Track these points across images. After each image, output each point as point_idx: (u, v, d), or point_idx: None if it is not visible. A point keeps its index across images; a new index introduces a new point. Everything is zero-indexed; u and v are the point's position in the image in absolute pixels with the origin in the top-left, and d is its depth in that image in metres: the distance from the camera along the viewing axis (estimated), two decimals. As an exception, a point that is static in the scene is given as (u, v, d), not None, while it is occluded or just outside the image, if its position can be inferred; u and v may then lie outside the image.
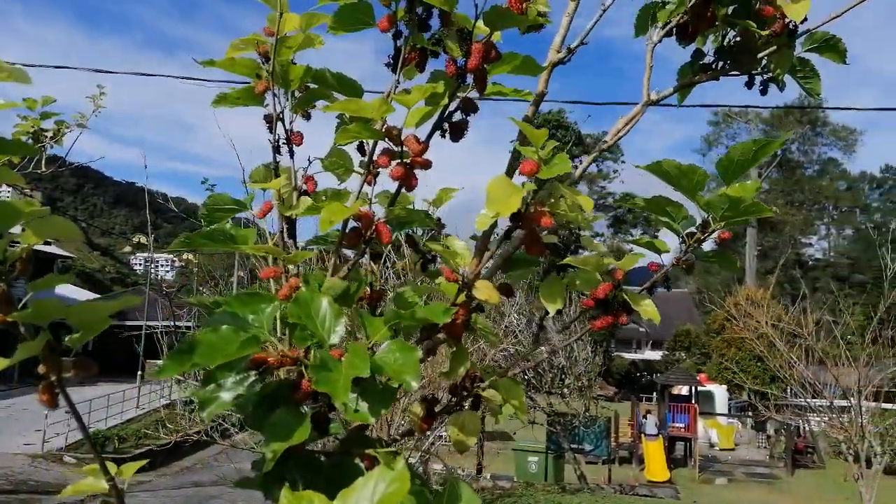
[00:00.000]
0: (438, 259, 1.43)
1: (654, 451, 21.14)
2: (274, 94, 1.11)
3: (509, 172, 1.04)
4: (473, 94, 1.02)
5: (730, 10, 1.25)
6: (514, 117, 0.88)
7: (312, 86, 1.20)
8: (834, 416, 13.64)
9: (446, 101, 0.97)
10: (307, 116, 1.21)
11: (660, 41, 1.28)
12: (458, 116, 1.02)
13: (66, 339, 0.88)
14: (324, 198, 1.14)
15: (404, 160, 0.96)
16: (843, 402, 13.31)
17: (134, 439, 18.53)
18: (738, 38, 1.28)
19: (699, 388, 25.81)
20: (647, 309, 1.04)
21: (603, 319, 1.08)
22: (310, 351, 1.01)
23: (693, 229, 1.10)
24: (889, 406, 14.33)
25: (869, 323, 14.17)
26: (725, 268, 1.11)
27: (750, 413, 27.40)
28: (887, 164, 58.86)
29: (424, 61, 1.05)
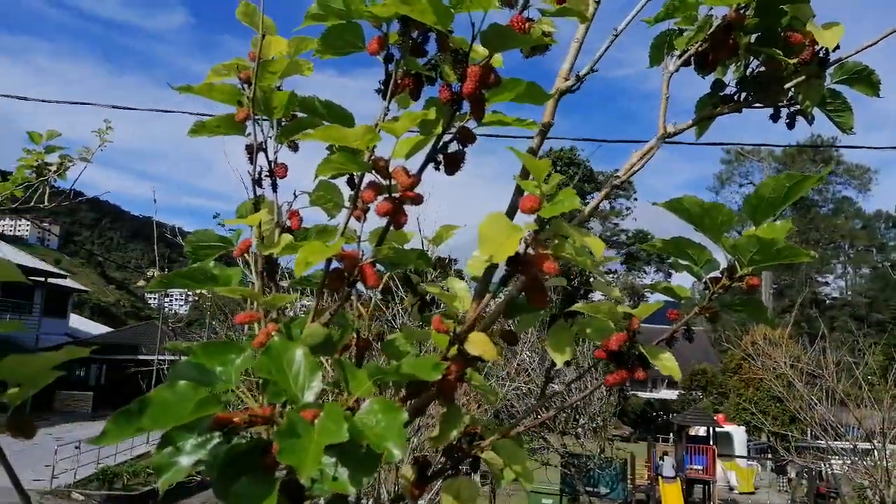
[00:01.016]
0: (438, 301, 1.32)
1: (671, 494, 20.57)
2: (256, 123, 1.02)
3: (510, 212, 0.93)
4: (471, 123, 0.92)
5: (753, 38, 1.15)
6: (512, 147, 0.79)
7: (301, 114, 1.11)
8: (857, 459, 13.21)
9: (440, 130, 0.87)
10: (294, 147, 1.12)
11: (676, 70, 1.18)
12: (454, 147, 0.92)
13: (4, 395, 0.77)
14: (306, 236, 1.04)
15: (392, 195, 0.86)
16: (867, 445, 12.89)
17: (144, 475, 18.27)
18: (761, 68, 1.18)
19: (717, 429, 25.24)
20: (667, 364, 0.92)
21: (617, 374, 0.96)
22: (284, 408, 0.90)
23: (717, 274, 0.98)
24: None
25: (891, 363, 13.79)
26: (754, 317, 0.99)
27: (770, 455, 26.72)
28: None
29: (419, 88, 0.96)
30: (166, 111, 5.98)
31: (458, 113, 0.88)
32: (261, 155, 1.06)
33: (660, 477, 21.33)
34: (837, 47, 1.06)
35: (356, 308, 1.03)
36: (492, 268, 1.05)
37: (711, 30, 1.12)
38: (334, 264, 0.91)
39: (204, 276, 1.22)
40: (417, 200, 0.86)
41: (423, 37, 0.96)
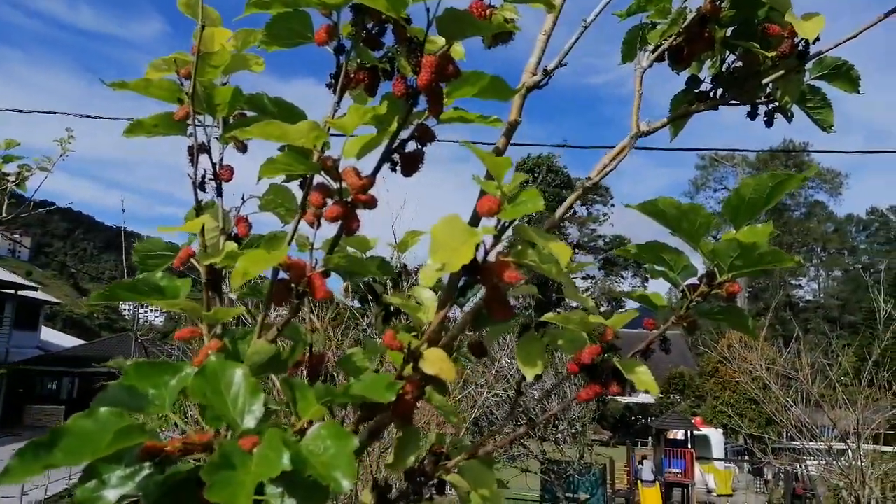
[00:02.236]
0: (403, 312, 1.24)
1: (650, 498, 20.64)
2: (197, 122, 0.93)
3: (474, 217, 0.86)
4: (431, 121, 0.85)
5: (728, 31, 1.10)
6: (466, 141, 0.71)
7: (250, 113, 1.03)
8: (832, 460, 13.33)
9: (395, 127, 0.80)
10: (242, 148, 1.04)
11: (650, 66, 1.12)
12: (412, 147, 0.85)
13: None
14: (257, 245, 0.95)
15: (344, 198, 0.78)
16: (841, 446, 13.01)
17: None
18: (738, 63, 1.12)
19: (695, 432, 25.40)
20: (643, 378, 0.85)
21: (590, 388, 0.89)
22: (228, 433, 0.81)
23: (695, 280, 0.92)
24: (888, 449, 14.02)
25: (863, 365, 13.95)
26: (734, 326, 0.92)
27: (747, 457, 26.97)
28: (873, 207, 59.56)
29: (376, 83, 0.88)
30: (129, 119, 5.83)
31: (414, 108, 0.80)
32: (204, 157, 0.97)
33: (639, 481, 21.38)
34: (817, 39, 1.01)
35: (309, 321, 0.95)
36: (455, 276, 0.98)
37: (686, 22, 1.06)
38: (280, 275, 0.84)
39: (149, 288, 1.13)
40: (371, 204, 0.78)
41: (379, 27, 0.88)
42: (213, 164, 0.97)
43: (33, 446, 0.65)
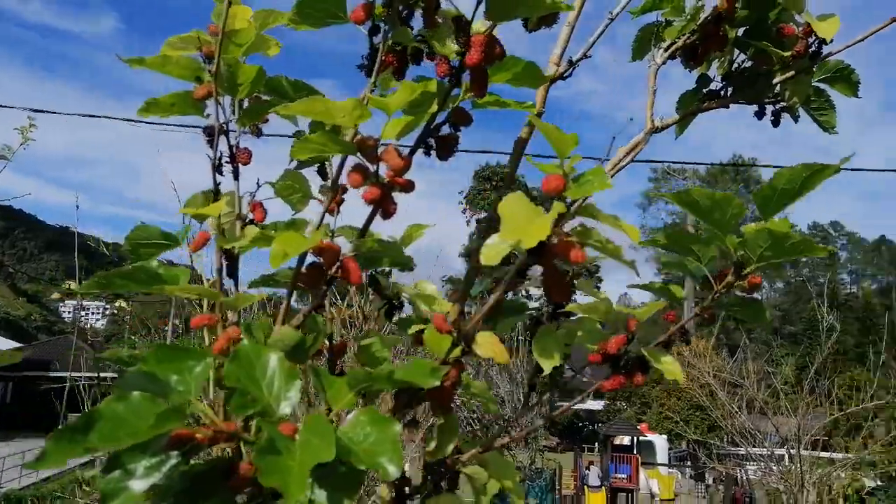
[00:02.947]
0: (406, 305, 1.22)
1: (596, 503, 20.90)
2: (218, 102, 0.90)
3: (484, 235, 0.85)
4: (465, 103, 0.83)
5: (740, 31, 1.12)
6: (533, 116, 0.70)
7: (264, 97, 1.00)
8: (773, 464, 13.77)
9: (435, 108, 0.79)
10: (257, 132, 1.00)
11: (664, 63, 1.14)
12: (445, 130, 0.84)
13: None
14: (274, 230, 0.92)
15: (381, 180, 0.76)
16: (782, 451, 13.44)
17: (50, 500, 17.14)
18: (747, 63, 1.14)
19: (640, 438, 25.89)
20: (669, 367, 0.85)
21: (614, 379, 0.89)
22: (249, 423, 0.78)
23: (707, 273, 0.93)
24: (825, 454, 14.58)
25: (804, 373, 14.46)
26: (752, 319, 0.94)
27: (689, 463, 27.62)
28: (814, 221, 62.16)
29: (404, 66, 0.87)
30: (91, 115, 5.64)
31: (454, 90, 0.79)
32: (221, 139, 0.94)
33: (586, 486, 21.64)
34: (831, 40, 1.03)
35: (328, 311, 0.92)
36: (476, 269, 0.97)
37: (701, 20, 1.08)
38: (310, 259, 0.81)
39: (147, 276, 1.08)
40: (409, 187, 0.76)
41: (407, 10, 0.87)
42: (230, 147, 0.93)
43: (69, 430, 0.62)
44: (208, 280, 1.19)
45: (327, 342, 0.92)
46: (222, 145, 0.94)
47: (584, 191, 0.67)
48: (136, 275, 1.10)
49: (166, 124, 7.11)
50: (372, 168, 0.77)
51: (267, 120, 0.99)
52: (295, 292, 0.89)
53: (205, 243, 0.92)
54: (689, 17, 1.07)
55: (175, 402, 0.73)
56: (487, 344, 0.75)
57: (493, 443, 0.97)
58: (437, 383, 0.68)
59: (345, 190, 0.92)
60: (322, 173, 0.98)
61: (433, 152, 0.83)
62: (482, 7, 0.74)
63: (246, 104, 0.99)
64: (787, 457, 13.55)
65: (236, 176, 0.94)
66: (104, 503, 0.69)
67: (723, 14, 1.07)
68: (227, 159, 0.94)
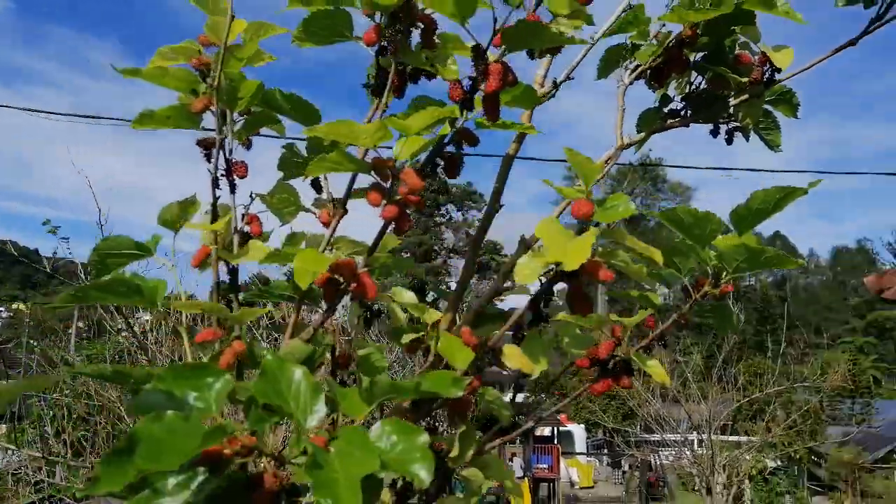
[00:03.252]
0: (384, 314, 1.26)
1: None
2: (217, 115, 0.90)
3: (480, 233, 0.90)
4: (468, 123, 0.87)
5: (699, 56, 1.21)
6: (568, 147, 0.75)
7: (255, 108, 1.01)
8: (685, 450, 14.50)
9: (447, 130, 0.82)
10: (248, 144, 1.01)
11: (631, 83, 1.21)
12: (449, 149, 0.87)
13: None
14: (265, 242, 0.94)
15: (396, 198, 0.79)
16: (694, 437, 14.19)
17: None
18: (705, 85, 1.24)
19: (560, 429, 26.60)
20: (655, 369, 0.93)
21: (603, 382, 0.96)
22: (262, 436, 0.79)
23: (687, 281, 1.01)
24: (733, 438, 15.52)
25: (713, 362, 15.28)
26: (721, 322, 1.02)
27: (606, 451, 28.64)
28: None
29: (404, 85, 0.90)
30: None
31: (467, 112, 0.83)
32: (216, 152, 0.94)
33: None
34: (780, 70, 1.14)
35: (331, 324, 0.94)
36: (466, 281, 1.01)
37: (667, 45, 1.16)
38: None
39: (127, 289, 1.07)
40: (422, 205, 0.80)
41: (406, 31, 0.90)
42: (227, 160, 0.94)
43: (115, 454, 0.62)
44: (187, 293, 1.18)
45: (329, 355, 0.94)
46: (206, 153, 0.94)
47: (610, 216, 0.73)
48: (115, 287, 1.08)
49: (68, 115, 6.72)
50: (387, 186, 0.80)
51: (258, 132, 1.00)
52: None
53: (206, 258, 0.92)
54: (658, 42, 1.14)
55: (219, 424, 0.74)
56: (514, 356, 0.79)
57: (484, 446, 1.02)
58: (461, 393, 0.72)
59: (343, 204, 0.95)
60: (316, 186, 1.00)
61: (443, 171, 0.87)
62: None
63: (237, 116, 0.99)
64: (695, 442, 14.33)
65: (233, 189, 0.94)
66: (132, 522, 0.69)
67: (685, 40, 1.15)
68: (223, 173, 0.94)
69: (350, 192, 0.86)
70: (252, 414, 0.78)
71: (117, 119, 7.13)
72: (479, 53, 0.80)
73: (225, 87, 0.88)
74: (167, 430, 0.67)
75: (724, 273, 0.92)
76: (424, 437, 0.71)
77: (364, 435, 0.69)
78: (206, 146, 0.93)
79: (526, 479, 21.91)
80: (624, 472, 26.91)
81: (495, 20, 0.78)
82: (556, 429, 25.93)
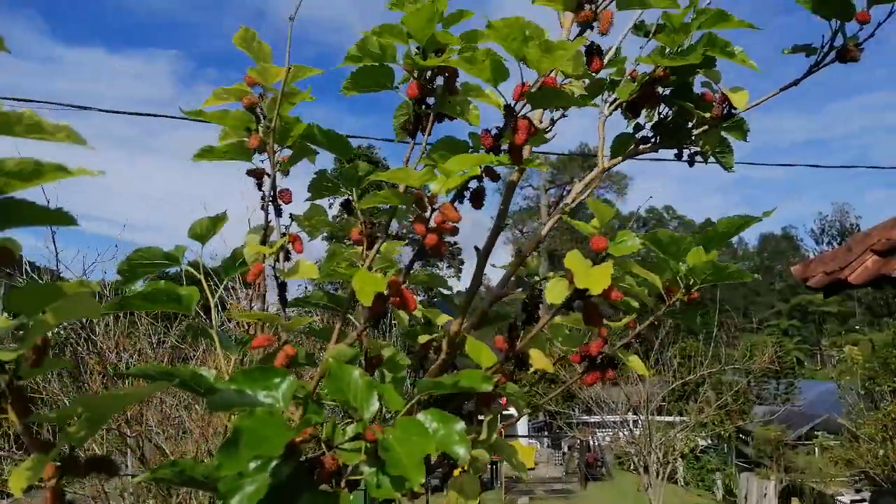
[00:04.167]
0: (389, 316, 1.41)
1: (464, 478, 21.81)
2: (270, 151, 1.04)
3: (485, 253, 1.07)
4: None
5: (667, 90, 1.40)
6: (595, 201, 0.92)
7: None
8: (625, 430, 15.14)
9: (477, 171, 0.98)
10: (286, 173, 1.14)
11: (610, 115, 1.39)
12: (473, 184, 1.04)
13: (65, 435, 0.74)
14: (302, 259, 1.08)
15: (434, 228, 0.95)
16: (633, 417, 14.83)
17: None
18: (673, 117, 1.43)
19: (502, 412, 27.10)
20: (636, 363, 1.12)
21: (593, 375, 1.14)
22: (320, 427, 0.95)
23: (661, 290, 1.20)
24: (669, 418, 16.28)
25: (649, 347, 15.96)
26: (688, 321, 1.22)
27: (546, 433, 29.35)
28: (651, 207, 68.09)
29: (431, 126, 1.05)
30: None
31: (497, 155, 0.99)
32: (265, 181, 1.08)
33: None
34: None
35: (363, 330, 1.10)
36: (474, 290, 1.18)
37: (644, 81, 1.35)
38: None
39: (167, 297, 1.20)
40: (455, 233, 0.96)
41: (432, 79, 1.06)
42: (274, 189, 1.07)
43: (227, 444, 0.76)
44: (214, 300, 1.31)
45: (364, 356, 1.09)
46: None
47: (621, 250, 0.91)
48: (157, 296, 1.21)
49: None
50: (426, 216, 0.96)
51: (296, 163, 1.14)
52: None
53: (260, 274, 1.05)
54: (638, 80, 1.33)
55: (310, 415, 0.89)
56: (539, 359, 0.97)
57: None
58: (491, 388, 0.89)
59: (373, 225, 1.10)
60: (348, 209, 1.15)
61: (469, 202, 1.03)
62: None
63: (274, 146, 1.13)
64: (632, 422, 14.98)
65: (279, 213, 1.08)
66: (226, 499, 0.83)
67: (657, 78, 1.34)
68: (270, 199, 1.08)
69: (390, 221, 1.01)
70: (309, 408, 0.93)
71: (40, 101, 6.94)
72: (510, 111, 0.97)
73: (279, 127, 1.02)
74: (260, 424, 0.81)
75: (693, 283, 1.12)
76: (461, 424, 0.87)
77: (420, 423, 0.85)
78: (257, 176, 1.06)
79: (470, 462, 22.40)
80: (564, 454, 27.72)
81: (523, 84, 0.95)
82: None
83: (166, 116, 7.19)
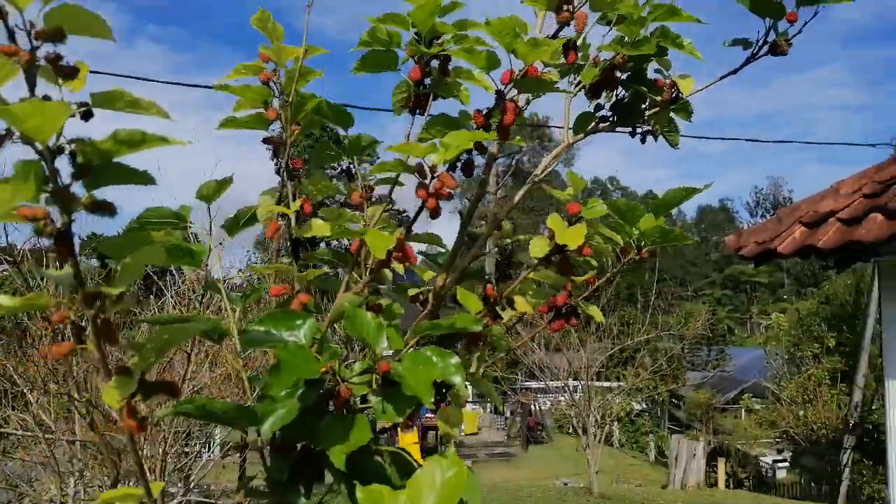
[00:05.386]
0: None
1: (408, 440, 22.27)
2: (283, 123, 1.18)
3: (468, 216, 1.26)
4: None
5: (624, 75, 1.59)
6: (571, 172, 1.10)
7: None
8: (567, 395, 15.76)
9: (470, 146, 1.14)
10: (295, 142, 1.28)
11: (575, 95, 1.58)
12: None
13: (135, 363, 0.88)
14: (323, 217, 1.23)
15: (433, 193, 1.11)
16: (574, 383, 15.45)
17: None
18: (628, 99, 1.62)
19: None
20: (594, 312, 1.32)
21: (558, 323, 1.34)
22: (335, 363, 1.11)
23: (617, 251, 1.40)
24: (607, 384, 17.03)
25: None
26: (638, 278, 1.43)
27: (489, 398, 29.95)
28: (595, 177, 69.51)
29: (427, 105, 1.22)
30: None
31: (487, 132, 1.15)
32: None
33: (398, 427, 22.91)
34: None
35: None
36: (459, 245, 1.36)
37: (605, 67, 1.53)
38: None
39: (182, 252, 1.33)
40: (448, 198, 1.12)
41: (427, 63, 1.22)
42: (288, 156, 1.21)
43: (274, 368, 0.92)
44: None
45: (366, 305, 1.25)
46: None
47: (591, 214, 1.09)
48: (175, 251, 1.34)
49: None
50: (426, 182, 1.12)
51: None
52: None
53: (277, 231, 1.20)
54: (601, 66, 1.51)
55: (334, 349, 1.05)
56: (522, 304, 1.15)
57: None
58: (480, 329, 1.07)
59: (372, 189, 1.26)
60: (349, 175, 1.30)
61: (461, 172, 1.20)
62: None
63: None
64: (572, 387, 15.61)
65: (291, 177, 1.22)
66: (262, 419, 0.99)
67: (616, 65, 1.53)
68: (284, 166, 1.22)
69: (393, 188, 1.17)
70: (325, 347, 1.09)
71: None
72: (500, 96, 1.13)
73: (295, 101, 1.16)
74: (293, 355, 0.97)
75: (644, 245, 1.32)
76: (456, 358, 1.05)
77: (426, 355, 1.02)
78: (274, 144, 1.20)
79: (415, 427, 22.88)
80: (506, 418, 28.53)
81: (511, 72, 1.12)
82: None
83: (184, 84, 7.01)
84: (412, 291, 1.38)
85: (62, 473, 6.33)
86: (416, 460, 1.17)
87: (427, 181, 1.10)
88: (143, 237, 0.81)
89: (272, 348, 1.00)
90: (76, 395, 6.45)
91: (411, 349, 1.11)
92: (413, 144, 1.05)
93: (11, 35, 0.67)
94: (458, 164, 1.20)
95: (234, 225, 1.39)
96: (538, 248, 1.08)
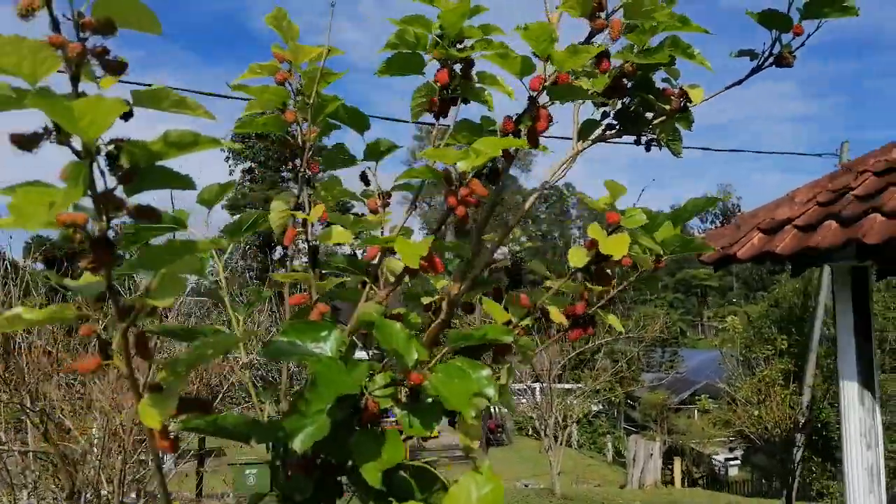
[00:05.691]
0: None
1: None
2: (300, 124, 1.13)
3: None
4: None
5: (630, 84, 1.59)
6: (610, 181, 1.08)
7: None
8: (529, 397, 15.87)
9: (498, 153, 1.12)
10: (313, 145, 1.24)
11: (583, 103, 1.56)
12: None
13: (167, 380, 0.83)
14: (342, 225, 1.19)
15: (462, 200, 1.08)
16: (536, 385, 15.56)
17: None
18: (634, 107, 1.62)
19: (408, 383, 27.50)
20: (614, 321, 1.31)
21: (577, 331, 1.32)
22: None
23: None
24: (568, 386, 17.20)
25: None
26: (652, 288, 1.42)
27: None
28: (553, 184, 70.93)
29: (448, 110, 1.18)
30: None
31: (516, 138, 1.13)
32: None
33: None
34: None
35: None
36: (471, 258, 1.33)
37: (614, 76, 1.52)
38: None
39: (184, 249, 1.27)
40: (479, 205, 1.09)
41: (451, 68, 1.19)
42: (305, 161, 1.17)
43: (311, 384, 0.88)
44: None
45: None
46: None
47: (630, 223, 1.07)
48: (178, 250, 1.28)
49: None
50: (454, 189, 1.09)
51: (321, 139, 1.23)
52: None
53: (295, 237, 1.15)
54: (610, 73, 1.50)
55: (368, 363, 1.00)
56: (556, 314, 1.12)
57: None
58: (511, 340, 1.04)
59: (389, 195, 1.22)
60: (364, 180, 1.26)
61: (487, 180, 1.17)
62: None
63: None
64: (537, 389, 15.73)
65: (308, 182, 1.18)
66: (292, 436, 0.94)
67: (626, 73, 1.52)
68: (301, 169, 1.17)
69: (418, 195, 1.14)
70: (352, 360, 1.05)
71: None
72: (533, 102, 1.11)
73: (315, 102, 1.11)
74: (328, 369, 0.92)
75: (664, 254, 1.31)
76: (488, 370, 1.02)
77: (460, 368, 0.99)
78: (291, 147, 1.15)
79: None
80: (465, 421, 28.46)
81: (545, 78, 1.09)
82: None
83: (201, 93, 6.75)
84: (426, 300, 1.34)
85: (14, 486, 6.07)
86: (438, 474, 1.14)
87: (455, 188, 1.07)
88: (185, 246, 0.76)
89: (302, 360, 0.96)
90: (28, 406, 6.19)
91: (445, 360, 1.08)
92: (445, 150, 1.02)
93: (56, 25, 0.62)
94: (485, 172, 1.17)
95: (237, 230, 1.34)
96: (577, 257, 1.06)
